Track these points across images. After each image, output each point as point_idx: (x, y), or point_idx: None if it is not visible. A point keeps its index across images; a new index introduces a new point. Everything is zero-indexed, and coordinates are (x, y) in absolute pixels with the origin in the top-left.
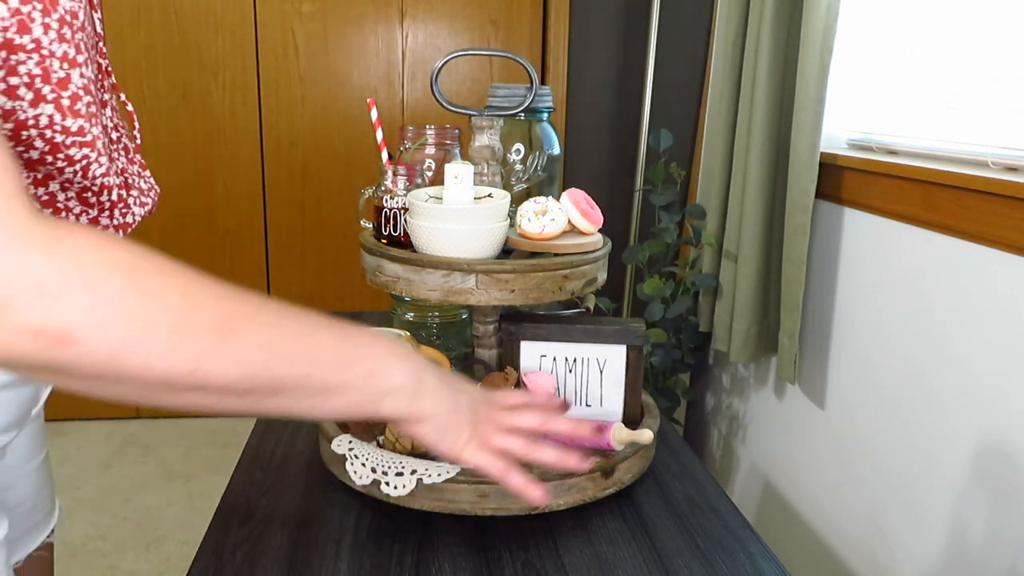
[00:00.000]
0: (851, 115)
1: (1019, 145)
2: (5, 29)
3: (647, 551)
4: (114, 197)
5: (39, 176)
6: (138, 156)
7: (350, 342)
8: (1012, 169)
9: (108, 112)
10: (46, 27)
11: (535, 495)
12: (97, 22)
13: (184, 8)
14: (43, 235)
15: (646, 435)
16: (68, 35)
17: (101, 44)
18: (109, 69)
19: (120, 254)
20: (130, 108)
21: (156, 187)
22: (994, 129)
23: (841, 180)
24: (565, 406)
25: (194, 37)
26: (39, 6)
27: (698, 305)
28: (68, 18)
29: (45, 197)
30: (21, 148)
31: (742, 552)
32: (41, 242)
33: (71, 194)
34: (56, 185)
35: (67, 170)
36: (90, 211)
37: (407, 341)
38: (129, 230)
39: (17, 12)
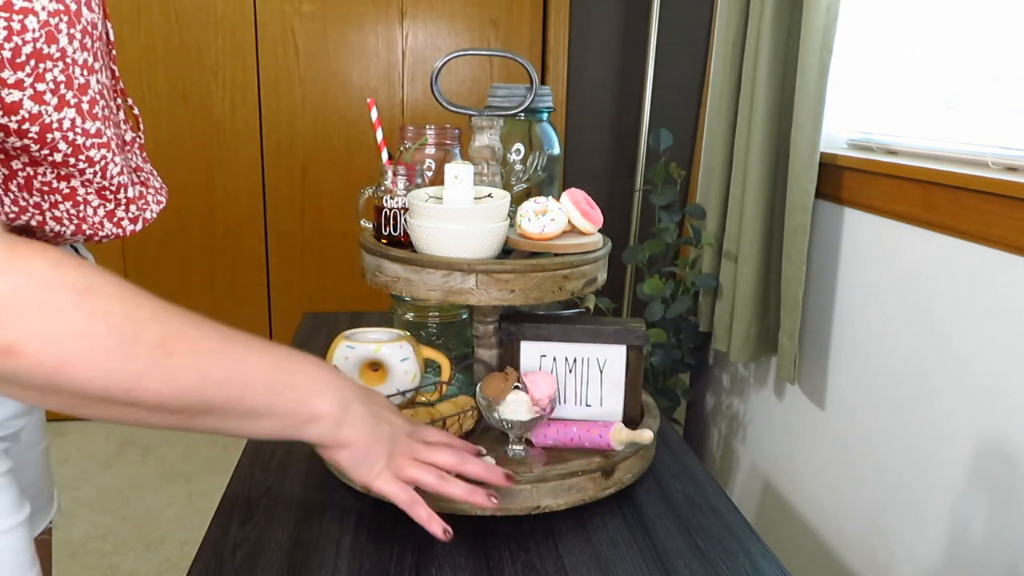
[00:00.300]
0: (851, 115)
1: (1019, 145)
2: (36, 40)
3: (647, 551)
4: (131, 194)
5: (62, 173)
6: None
7: (283, 368)
8: (1012, 169)
9: (121, 115)
10: (71, 37)
11: (436, 529)
12: (110, 31)
13: (184, 8)
14: (2, 255)
15: (646, 435)
16: (88, 44)
17: (113, 52)
18: (119, 75)
19: (74, 275)
20: (136, 112)
21: (164, 186)
22: (994, 129)
23: (841, 180)
24: (479, 452)
25: (194, 37)
26: (65, 18)
27: (698, 305)
28: (89, 28)
29: (67, 191)
30: (46, 151)
31: (742, 552)
32: (0, 261)
33: (91, 190)
34: (77, 182)
35: (87, 171)
36: (107, 204)
37: (407, 341)
38: (147, 224)
39: (46, 24)
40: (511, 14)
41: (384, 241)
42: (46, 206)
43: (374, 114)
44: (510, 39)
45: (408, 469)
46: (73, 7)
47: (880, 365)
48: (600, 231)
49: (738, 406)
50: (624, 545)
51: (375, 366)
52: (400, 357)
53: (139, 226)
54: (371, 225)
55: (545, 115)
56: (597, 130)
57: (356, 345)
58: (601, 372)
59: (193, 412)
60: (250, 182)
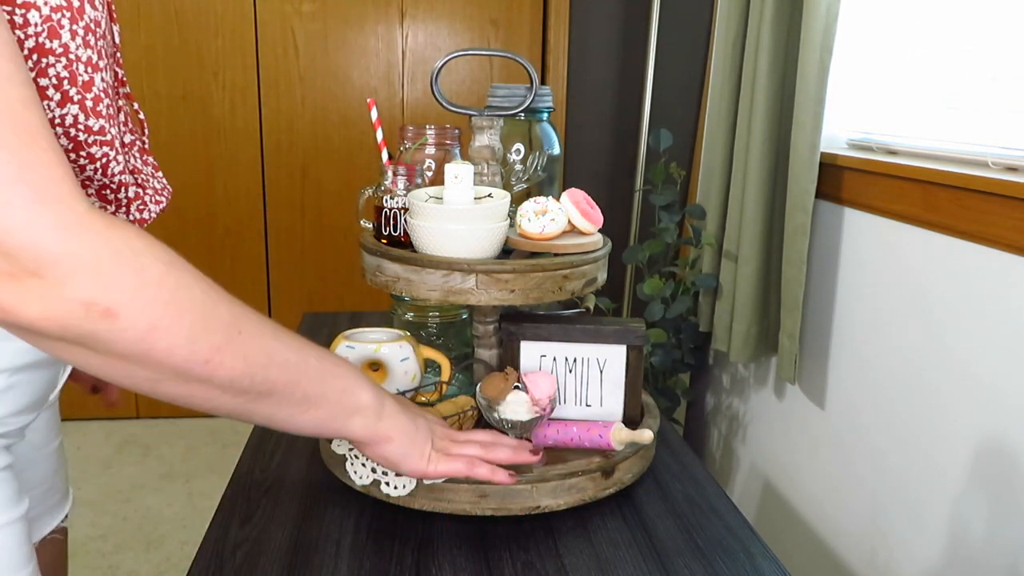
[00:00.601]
0: (851, 115)
1: (1019, 145)
2: (38, 34)
3: (647, 551)
4: (131, 194)
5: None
6: (151, 158)
7: (329, 360)
8: (1012, 169)
9: (122, 117)
10: (73, 33)
11: (502, 477)
12: (116, 33)
13: (184, 8)
14: (101, 222)
15: (646, 435)
16: (92, 41)
17: (118, 54)
18: (124, 78)
19: (160, 247)
20: (142, 116)
21: (168, 187)
22: (994, 129)
23: (841, 180)
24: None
25: (194, 37)
26: (67, 14)
27: (698, 305)
28: (92, 26)
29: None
30: None
31: (742, 552)
32: (99, 228)
33: (91, 191)
34: (82, 177)
35: (88, 167)
36: (108, 207)
37: (407, 341)
38: (145, 225)
39: (48, 19)
40: (511, 14)
41: (384, 241)
42: None
43: (374, 114)
44: (510, 39)
45: (453, 448)
46: (76, 3)
47: (880, 365)
48: (600, 231)
49: (738, 406)
50: (624, 545)
51: (375, 366)
52: (400, 357)
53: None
54: (371, 225)
55: (545, 115)
56: (597, 130)
57: (356, 345)
58: (601, 372)
59: (257, 393)
60: (250, 182)
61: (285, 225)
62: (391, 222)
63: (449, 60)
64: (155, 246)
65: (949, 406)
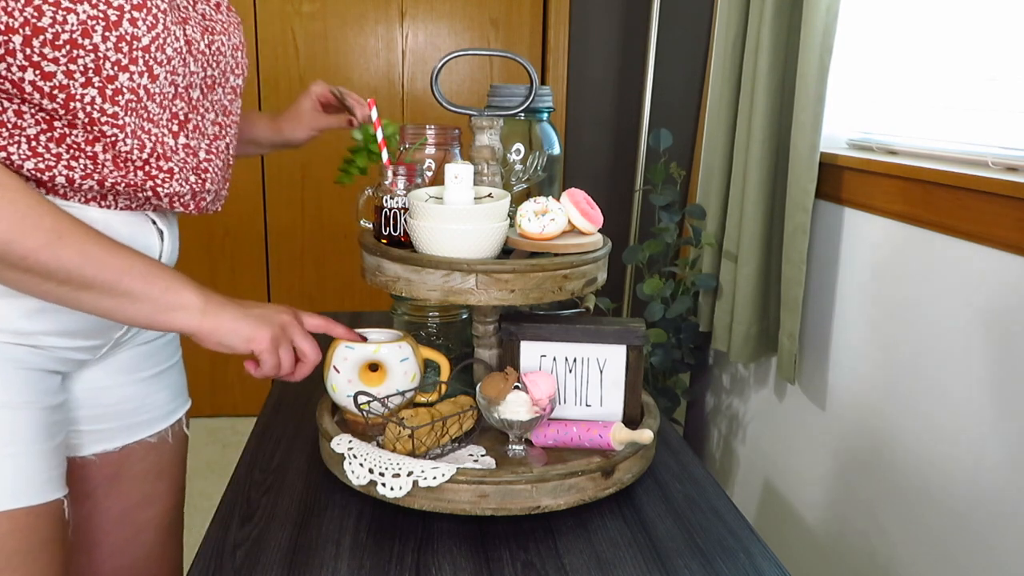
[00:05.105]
0: (851, 115)
1: (1019, 145)
2: (73, 31)
3: (647, 551)
4: (147, 169)
5: (89, 137)
6: (217, 159)
7: (157, 266)
8: (1012, 169)
9: (196, 135)
10: (104, 38)
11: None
12: (232, 80)
13: None
14: None
15: (646, 435)
16: (125, 50)
17: (226, 96)
18: (231, 110)
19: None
20: (234, 139)
21: (206, 180)
22: (994, 129)
23: (841, 180)
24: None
25: None
26: (102, 23)
27: (698, 305)
28: (129, 39)
29: (91, 154)
30: (69, 116)
31: (742, 552)
32: None
33: (108, 156)
34: (99, 147)
35: (101, 140)
36: (116, 171)
37: (407, 341)
38: (173, 201)
39: (83, 23)
40: (511, 14)
41: (384, 241)
42: (66, 158)
43: (374, 114)
44: (510, 39)
45: (295, 336)
46: (113, 17)
47: (880, 365)
48: (600, 231)
49: (738, 406)
50: (624, 545)
51: (374, 366)
52: (400, 357)
53: (168, 189)
54: (371, 225)
55: (545, 115)
56: (597, 130)
57: (355, 345)
58: (601, 372)
59: (78, 286)
60: (250, 182)
61: (285, 225)
62: (391, 222)
63: (449, 60)
64: None
65: (949, 406)
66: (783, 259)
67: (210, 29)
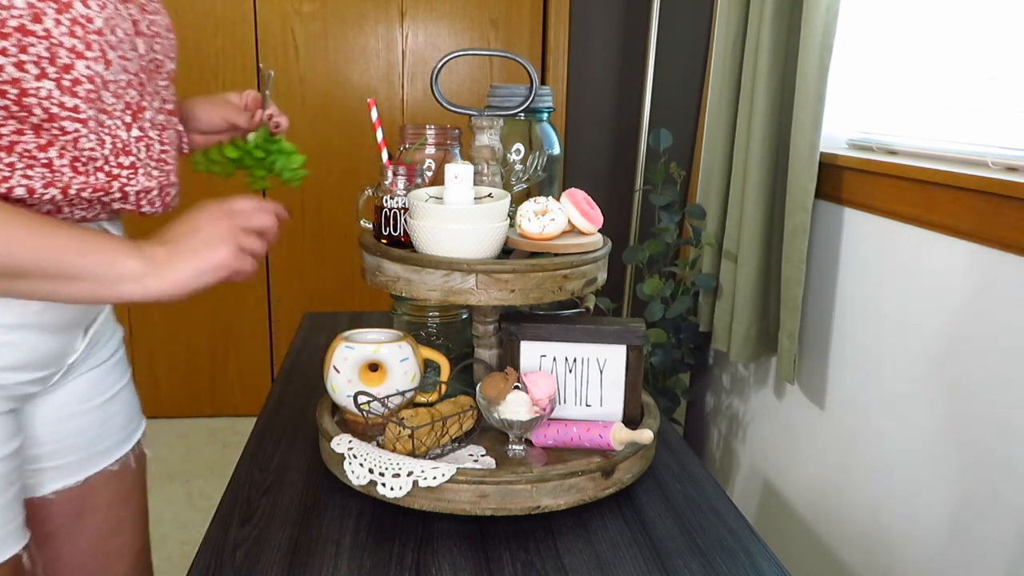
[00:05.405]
0: (851, 115)
1: (1019, 145)
2: (22, 16)
3: (647, 551)
4: (107, 169)
5: (42, 142)
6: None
7: (92, 237)
8: (1012, 169)
9: (147, 125)
10: (57, 21)
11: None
12: (168, 65)
13: (183, 8)
14: None
15: (646, 435)
16: (80, 34)
17: (162, 82)
18: (168, 98)
19: None
20: (180, 128)
21: (165, 178)
22: (994, 129)
23: (841, 180)
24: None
25: (194, 37)
26: (53, 6)
27: (698, 305)
28: (83, 21)
29: (45, 161)
30: (24, 113)
31: (742, 552)
32: None
33: (65, 161)
34: (54, 152)
35: (60, 138)
36: (78, 177)
37: (407, 341)
38: (142, 197)
39: (32, 6)
40: (511, 14)
41: (384, 241)
42: (21, 167)
43: (374, 114)
44: (510, 39)
45: (245, 241)
46: None
47: (880, 365)
48: (600, 231)
49: (738, 406)
50: (624, 545)
51: (375, 366)
52: (400, 357)
53: (130, 191)
54: (371, 225)
55: (545, 115)
56: (597, 130)
57: (355, 345)
58: (601, 372)
59: (11, 275)
60: None
61: (285, 225)
62: (391, 222)
63: (449, 60)
64: None
65: (949, 405)
66: (783, 259)
67: (145, 8)
